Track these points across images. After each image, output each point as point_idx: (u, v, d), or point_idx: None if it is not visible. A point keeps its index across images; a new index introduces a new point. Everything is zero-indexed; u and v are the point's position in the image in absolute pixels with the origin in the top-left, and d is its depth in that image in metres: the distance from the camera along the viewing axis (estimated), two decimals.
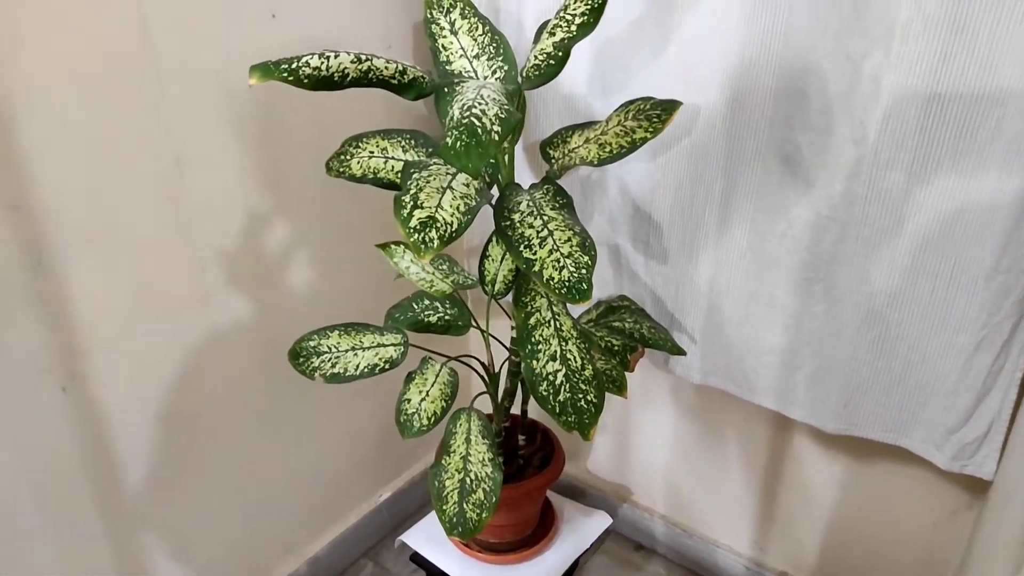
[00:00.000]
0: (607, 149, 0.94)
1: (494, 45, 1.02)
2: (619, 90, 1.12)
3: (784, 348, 1.10)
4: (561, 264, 0.82)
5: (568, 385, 0.87)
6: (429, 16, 1.05)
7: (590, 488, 1.55)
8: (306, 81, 0.80)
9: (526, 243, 0.84)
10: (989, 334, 0.93)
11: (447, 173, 0.85)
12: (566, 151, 1.00)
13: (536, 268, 0.82)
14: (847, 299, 1.02)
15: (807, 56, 0.95)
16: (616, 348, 1.06)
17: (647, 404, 1.40)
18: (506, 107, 0.78)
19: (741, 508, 1.35)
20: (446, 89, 0.83)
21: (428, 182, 0.82)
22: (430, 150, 1.07)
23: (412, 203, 0.78)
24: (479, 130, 0.74)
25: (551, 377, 0.87)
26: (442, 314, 1.13)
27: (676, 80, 1.06)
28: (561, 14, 0.80)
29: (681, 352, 1.10)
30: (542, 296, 0.90)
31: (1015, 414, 0.97)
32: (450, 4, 1.05)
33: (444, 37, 1.03)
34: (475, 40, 1.03)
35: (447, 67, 1.02)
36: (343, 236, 1.27)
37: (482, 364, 1.12)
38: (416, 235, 0.76)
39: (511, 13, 1.21)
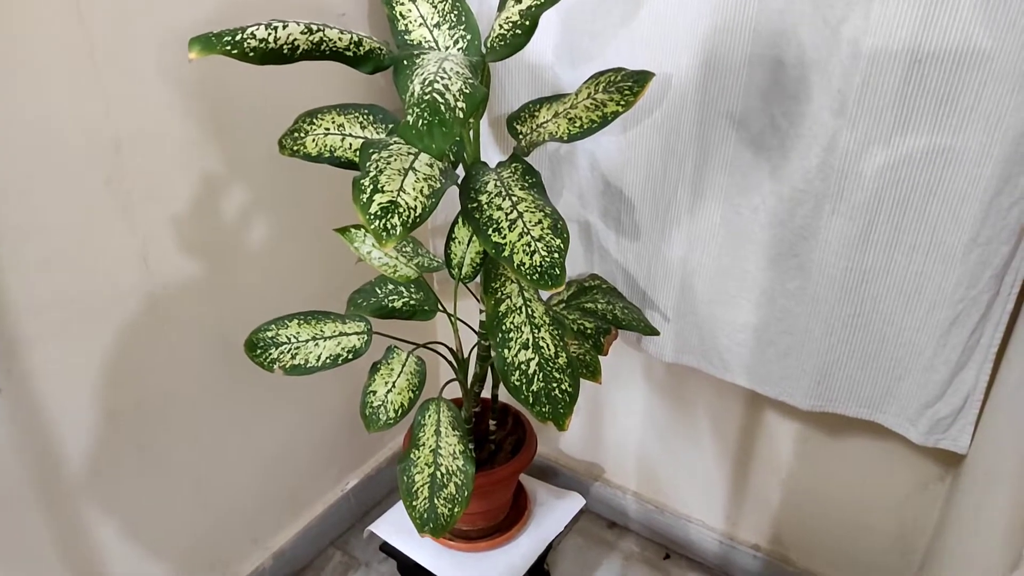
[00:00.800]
0: (577, 124, 0.89)
1: (455, 12, 0.96)
2: (588, 60, 1.07)
3: (757, 325, 1.08)
4: (532, 248, 0.78)
5: (541, 374, 0.83)
6: None
7: (562, 468, 1.53)
8: (252, 55, 0.74)
9: (494, 226, 0.79)
10: (966, 308, 0.92)
11: (409, 153, 0.80)
12: (534, 126, 0.95)
13: (506, 253, 0.77)
14: (821, 274, 0.99)
15: (783, 20, 0.91)
16: (589, 331, 1.03)
17: (618, 382, 1.37)
18: (471, 81, 0.73)
19: (713, 484, 1.34)
20: (405, 62, 0.77)
21: (388, 163, 0.76)
22: (390, 126, 1.01)
23: (372, 187, 0.73)
24: (442, 107, 0.68)
25: (523, 366, 0.83)
26: (407, 299, 1.08)
27: (647, 48, 1.01)
28: None
29: (655, 332, 1.07)
30: (512, 282, 0.86)
31: (990, 388, 0.96)
32: None
33: (401, 4, 0.97)
34: (435, 7, 0.96)
35: (405, 37, 0.96)
36: (299, 218, 1.21)
37: (450, 350, 1.07)
38: (377, 222, 0.71)
39: None
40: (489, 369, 1.11)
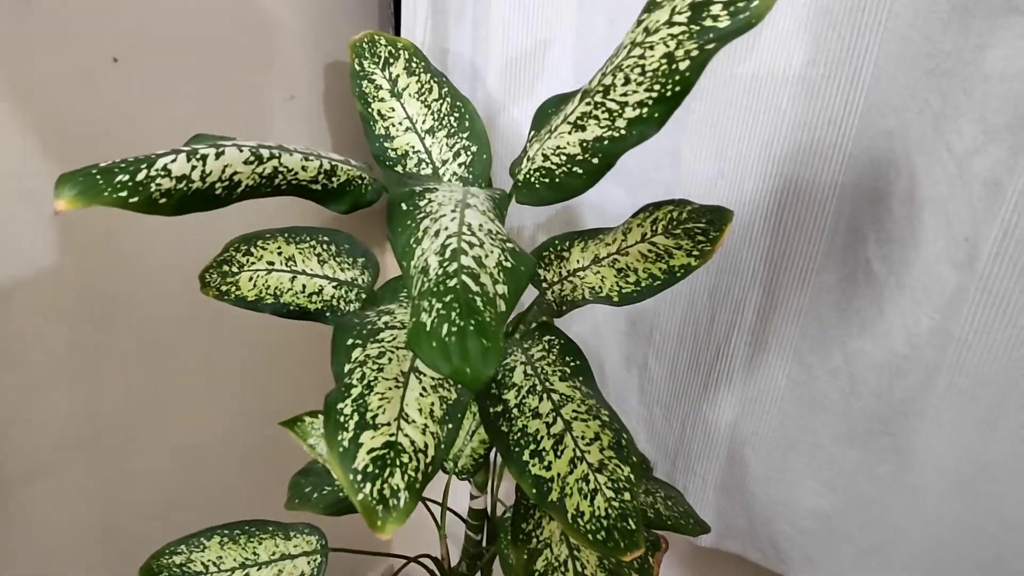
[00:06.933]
0: (631, 279, 0.64)
1: (456, 115, 0.71)
2: (617, 173, 0.83)
3: (830, 513, 0.85)
4: (592, 485, 0.52)
5: None
6: (359, 69, 0.72)
7: None
8: (163, 202, 0.46)
9: (533, 447, 0.53)
10: None
11: (406, 341, 0.53)
12: (564, 273, 0.69)
13: (554, 496, 0.51)
14: (925, 462, 0.77)
15: (891, 144, 0.69)
16: None
17: None
18: (511, 247, 0.47)
19: None
20: (404, 205, 0.50)
21: (380, 369, 0.49)
22: (360, 260, 0.74)
23: (356, 418, 0.46)
24: (478, 301, 0.42)
25: None
26: None
27: (701, 163, 0.78)
28: (598, 99, 0.49)
29: (706, 530, 0.82)
30: (551, 519, 0.59)
31: None
32: (389, 53, 0.72)
33: (381, 100, 0.71)
34: (427, 107, 0.71)
35: (386, 144, 0.70)
36: (218, 367, 0.92)
37: (435, 561, 0.79)
38: (368, 487, 0.43)
39: (462, 56, 0.90)
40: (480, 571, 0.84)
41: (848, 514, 0.84)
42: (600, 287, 0.65)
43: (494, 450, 0.75)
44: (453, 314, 0.41)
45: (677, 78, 0.45)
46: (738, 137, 0.75)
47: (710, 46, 0.44)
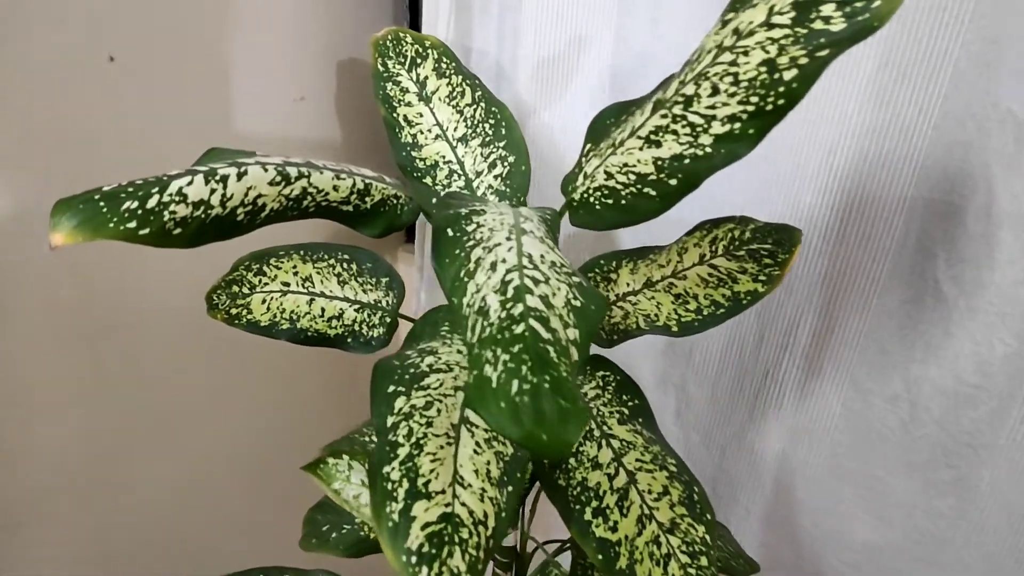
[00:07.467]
0: (691, 306, 0.58)
1: (491, 122, 0.64)
2: None
3: (883, 547, 0.79)
4: (664, 549, 0.46)
5: None
6: (382, 69, 0.65)
7: None
8: (178, 233, 0.39)
9: (596, 504, 0.47)
10: None
11: (455, 387, 0.46)
12: (612, 297, 0.63)
13: (623, 563, 0.45)
14: (992, 497, 0.71)
15: (968, 156, 0.63)
16: None
17: None
18: (577, 282, 0.41)
19: None
20: (450, 230, 0.44)
21: (429, 423, 0.43)
22: (383, 280, 0.67)
23: (406, 484, 0.39)
24: (551, 352, 0.35)
25: None
26: None
27: (756, 171, 0.72)
28: (677, 111, 0.43)
29: (755, 569, 0.76)
30: None
31: None
32: (416, 52, 0.65)
33: (408, 105, 0.64)
34: (459, 112, 0.64)
35: (413, 153, 0.63)
36: (230, 400, 0.85)
37: None
38: (425, 570, 0.37)
39: (487, 55, 0.83)
40: None
41: (903, 549, 0.78)
42: (656, 315, 0.59)
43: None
44: (523, 368, 0.34)
45: (781, 89, 0.38)
46: (796, 145, 0.69)
47: (823, 52, 0.37)
